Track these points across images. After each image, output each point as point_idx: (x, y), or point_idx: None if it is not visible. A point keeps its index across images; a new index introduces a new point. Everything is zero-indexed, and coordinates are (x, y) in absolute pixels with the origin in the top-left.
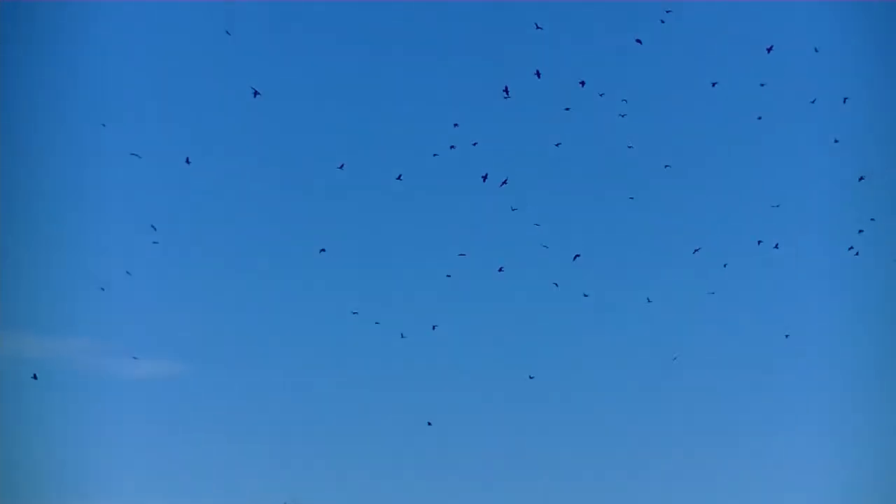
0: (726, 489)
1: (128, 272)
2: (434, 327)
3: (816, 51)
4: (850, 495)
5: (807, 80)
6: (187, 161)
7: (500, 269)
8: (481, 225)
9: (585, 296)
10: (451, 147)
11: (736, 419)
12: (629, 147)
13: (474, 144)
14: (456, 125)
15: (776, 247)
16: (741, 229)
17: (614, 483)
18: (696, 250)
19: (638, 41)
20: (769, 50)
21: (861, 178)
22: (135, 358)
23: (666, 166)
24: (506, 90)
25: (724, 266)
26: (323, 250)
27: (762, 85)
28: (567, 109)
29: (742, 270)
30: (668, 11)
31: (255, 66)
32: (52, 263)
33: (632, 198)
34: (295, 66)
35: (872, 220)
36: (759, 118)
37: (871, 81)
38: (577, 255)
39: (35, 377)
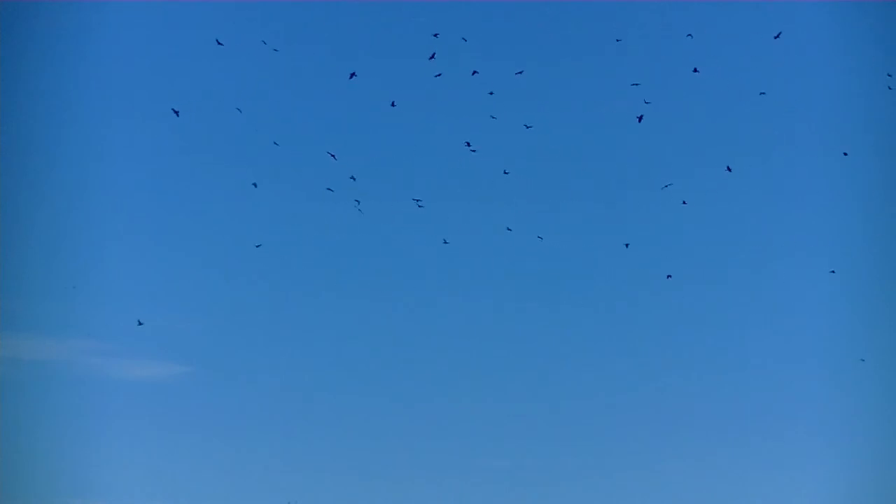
0: (728, 490)
1: (140, 322)
2: (508, 227)
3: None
4: (851, 496)
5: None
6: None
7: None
8: (482, 223)
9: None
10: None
11: (737, 420)
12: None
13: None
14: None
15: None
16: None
17: (617, 484)
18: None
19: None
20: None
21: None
22: (140, 323)
23: (728, 168)
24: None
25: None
26: (258, 245)
27: (762, 93)
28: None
29: (745, 280)
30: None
31: (258, 66)
32: (52, 263)
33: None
34: (296, 66)
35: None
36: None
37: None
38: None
39: None
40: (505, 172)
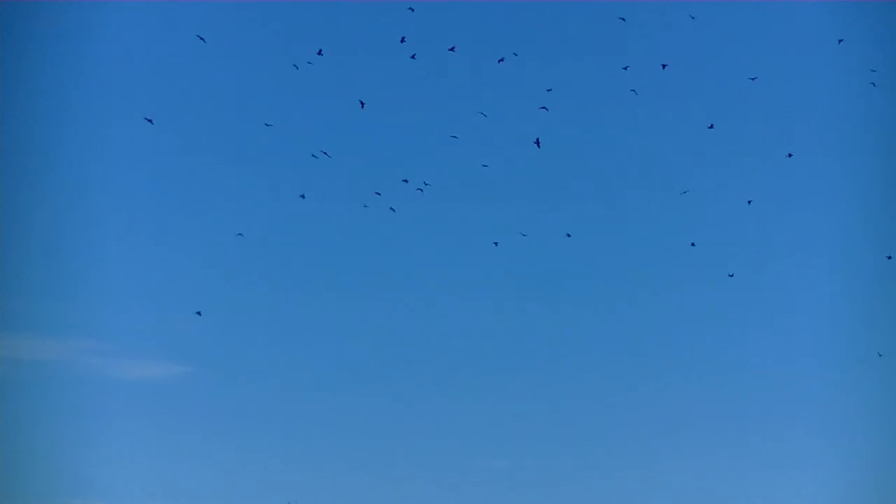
0: (728, 490)
1: (198, 313)
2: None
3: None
4: (851, 496)
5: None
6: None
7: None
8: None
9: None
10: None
11: (737, 420)
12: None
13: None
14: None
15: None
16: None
17: (617, 484)
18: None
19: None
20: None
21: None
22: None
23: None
24: (537, 142)
25: (731, 276)
26: (240, 234)
27: (753, 79)
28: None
29: (745, 280)
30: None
31: (262, 64)
32: (52, 263)
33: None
34: (296, 65)
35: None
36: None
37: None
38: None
39: None
40: (484, 166)
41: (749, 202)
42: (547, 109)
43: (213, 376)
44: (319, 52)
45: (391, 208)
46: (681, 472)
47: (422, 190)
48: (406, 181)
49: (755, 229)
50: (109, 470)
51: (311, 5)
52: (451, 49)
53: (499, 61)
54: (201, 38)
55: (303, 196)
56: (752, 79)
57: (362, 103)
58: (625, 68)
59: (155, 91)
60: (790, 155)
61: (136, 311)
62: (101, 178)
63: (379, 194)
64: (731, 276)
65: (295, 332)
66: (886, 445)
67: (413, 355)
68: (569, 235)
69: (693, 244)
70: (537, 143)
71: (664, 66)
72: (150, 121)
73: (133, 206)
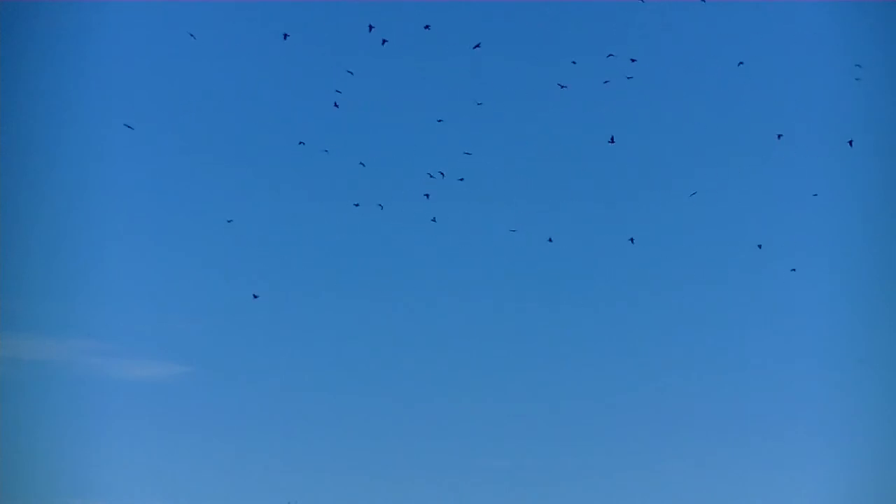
0: (728, 490)
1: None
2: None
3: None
4: (851, 496)
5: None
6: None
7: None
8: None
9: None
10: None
11: (737, 420)
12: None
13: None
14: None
15: (759, 246)
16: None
17: (617, 484)
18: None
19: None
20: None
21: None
22: None
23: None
24: (612, 140)
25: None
26: (230, 221)
27: (741, 63)
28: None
29: (745, 280)
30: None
31: (266, 64)
32: (52, 263)
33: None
34: (296, 65)
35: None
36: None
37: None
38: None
39: None
40: (467, 153)
41: (816, 195)
42: (565, 87)
43: (213, 376)
44: (285, 37)
45: (433, 219)
46: (681, 472)
47: (432, 176)
48: (461, 179)
49: (755, 229)
50: (109, 470)
51: (311, 5)
52: (426, 27)
53: (474, 47)
54: (192, 36)
55: (357, 205)
56: (740, 63)
57: (336, 104)
58: (609, 55)
59: (155, 91)
60: (850, 142)
61: (136, 311)
62: (101, 178)
63: (427, 196)
64: (760, 246)
65: (295, 332)
66: (886, 445)
67: (413, 355)
68: (632, 240)
69: (760, 246)
70: (612, 140)
71: (633, 60)
72: (129, 127)
73: (133, 206)
